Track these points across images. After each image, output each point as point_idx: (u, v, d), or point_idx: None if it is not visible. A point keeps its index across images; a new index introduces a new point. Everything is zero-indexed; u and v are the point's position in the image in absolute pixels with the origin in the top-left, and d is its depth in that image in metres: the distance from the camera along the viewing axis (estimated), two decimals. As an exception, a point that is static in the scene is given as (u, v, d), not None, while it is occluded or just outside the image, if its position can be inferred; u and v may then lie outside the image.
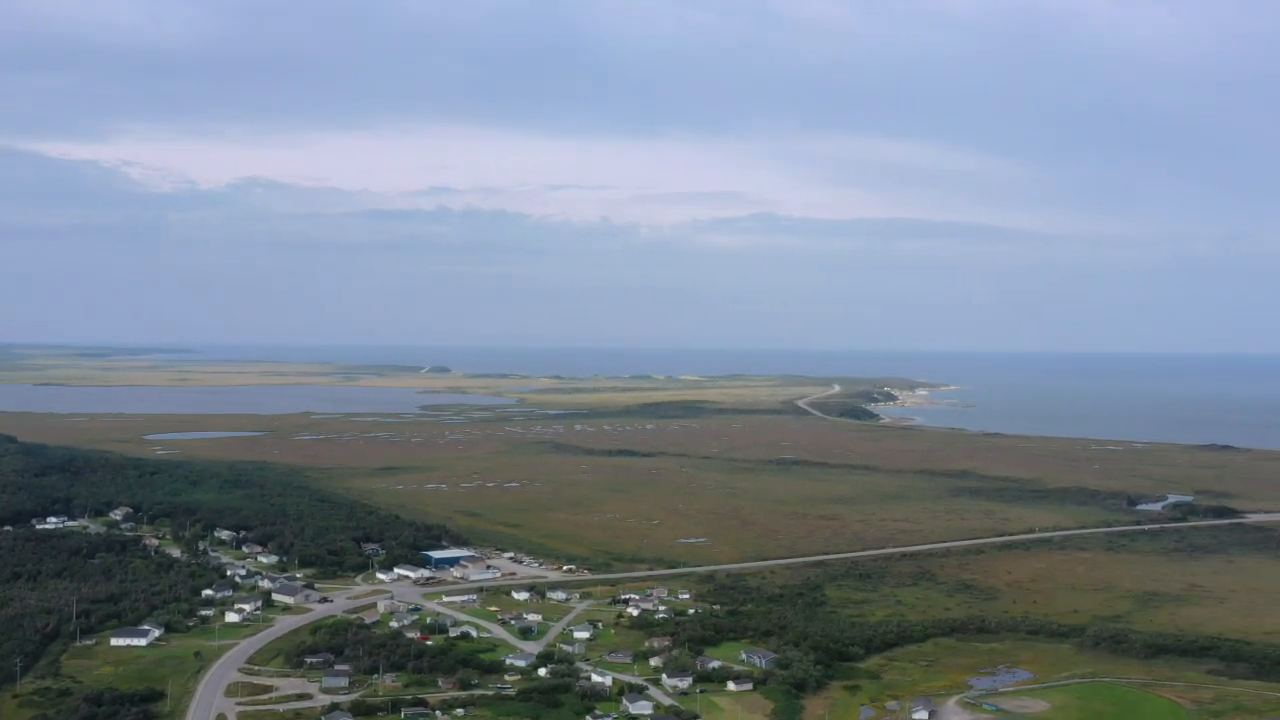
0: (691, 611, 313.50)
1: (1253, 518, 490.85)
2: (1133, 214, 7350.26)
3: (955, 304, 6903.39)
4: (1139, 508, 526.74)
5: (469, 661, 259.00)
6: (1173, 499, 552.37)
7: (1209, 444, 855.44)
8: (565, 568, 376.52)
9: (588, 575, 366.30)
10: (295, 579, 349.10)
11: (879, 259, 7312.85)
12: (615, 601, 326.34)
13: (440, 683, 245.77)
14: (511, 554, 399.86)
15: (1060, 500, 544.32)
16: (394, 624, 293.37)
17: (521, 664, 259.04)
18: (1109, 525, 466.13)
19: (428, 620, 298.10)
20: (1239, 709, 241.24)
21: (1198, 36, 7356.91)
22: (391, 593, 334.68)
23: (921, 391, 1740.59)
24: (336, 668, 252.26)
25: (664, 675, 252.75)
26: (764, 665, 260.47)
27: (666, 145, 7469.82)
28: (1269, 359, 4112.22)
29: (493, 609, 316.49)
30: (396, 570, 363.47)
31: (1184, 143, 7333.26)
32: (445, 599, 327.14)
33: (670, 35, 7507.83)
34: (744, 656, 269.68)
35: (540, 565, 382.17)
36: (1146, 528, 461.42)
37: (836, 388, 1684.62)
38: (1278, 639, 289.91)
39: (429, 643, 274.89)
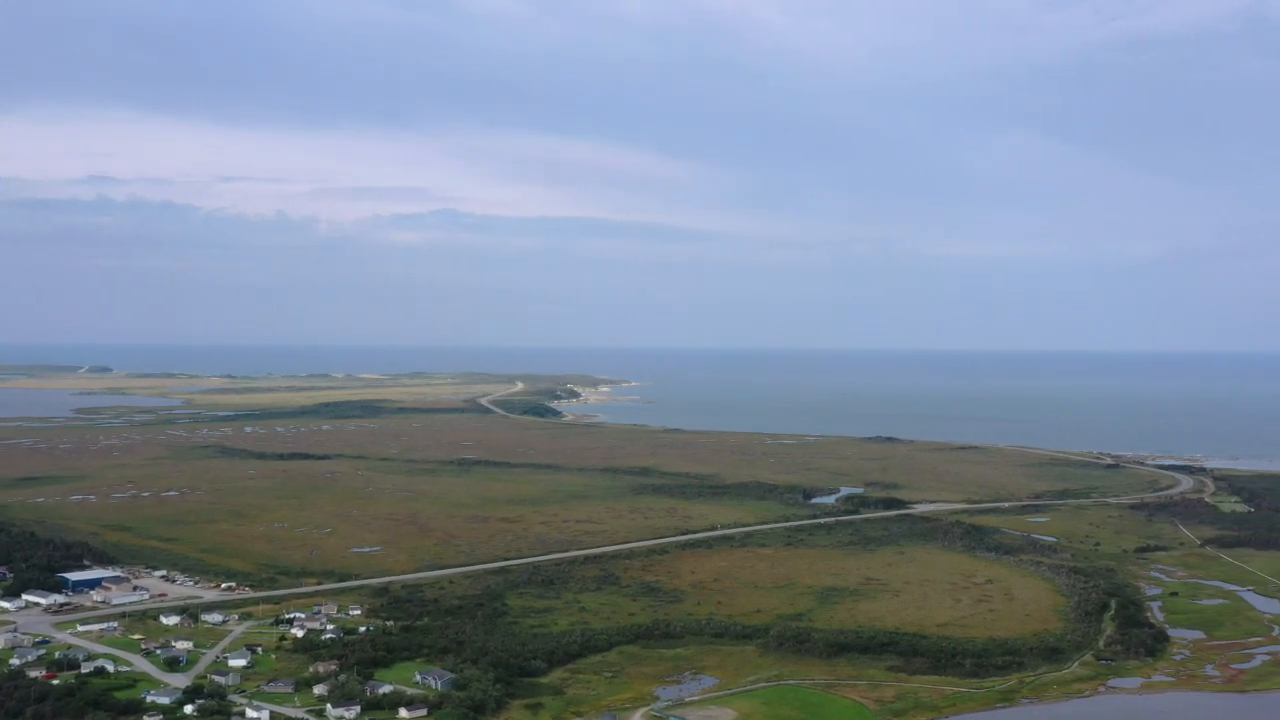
0: (362, 629, 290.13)
1: (918, 508, 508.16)
2: (801, 216, 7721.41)
3: (637, 301, 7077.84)
4: (814, 501, 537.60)
5: (101, 702, 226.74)
6: (845, 491, 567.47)
7: (874, 436, 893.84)
8: (224, 585, 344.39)
9: (249, 593, 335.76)
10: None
11: (563, 257, 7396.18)
12: (278, 622, 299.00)
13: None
14: (164, 572, 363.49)
15: (740, 495, 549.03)
16: (15, 661, 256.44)
17: (165, 701, 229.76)
18: (787, 520, 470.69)
19: (57, 655, 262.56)
20: (919, 706, 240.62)
21: (857, 50, 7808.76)
22: (15, 624, 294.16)
23: (605, 388, 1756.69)
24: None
25: (329, 705, 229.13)
26: (440, 687, 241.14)
27: (345, 138, 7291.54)
28: (923, 354, 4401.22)
29: (136, 637, 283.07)
30: (25, 596, 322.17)
31: (847, 150, 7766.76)
32: (81, 628, 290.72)
33: (346, 23, 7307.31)
34: (419, 678, 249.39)
35: (196, 584, 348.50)
36: (822, 521, 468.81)
37: (520, 385, 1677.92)
38: (950, 632, 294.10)
39: (55, 682, 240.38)
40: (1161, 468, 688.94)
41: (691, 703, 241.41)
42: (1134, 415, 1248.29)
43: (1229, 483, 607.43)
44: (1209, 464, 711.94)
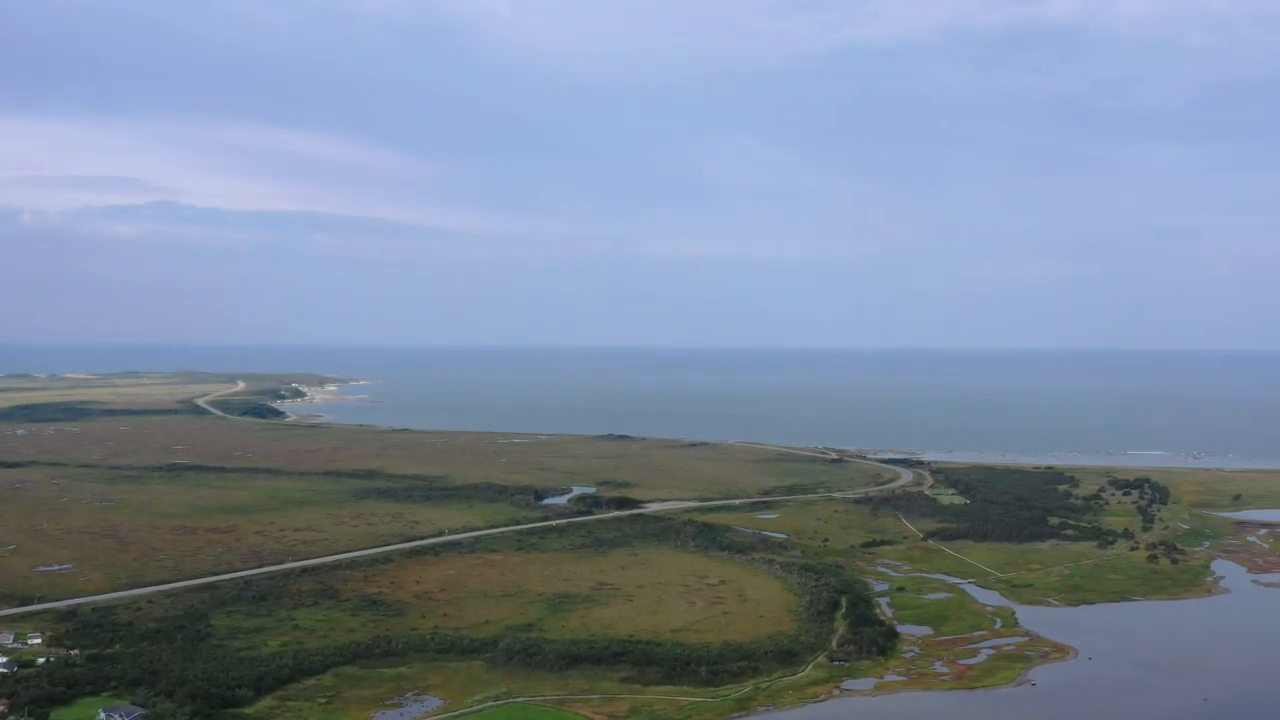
0: (41, 661, 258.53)
1: (651, 507, 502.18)
2: (538, 215, 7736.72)
3: (368, 298, 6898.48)
4: (546, 502, 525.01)
5: None
6: (578, 491, 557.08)
7: (607, 434, 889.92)
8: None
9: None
10: None
11: (289, 252, 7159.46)
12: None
13: None
14: None
15: (469, 498, 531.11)
16: None
17: None
18: (518, 523, 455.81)
19: None
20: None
21: (591, 50, 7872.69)
22: None
23: (331, 387, 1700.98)
24: None
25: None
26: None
27: (50, 124, 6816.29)
28: (652, 351, 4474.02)
29: None
30: None
31: (583, 149, 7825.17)
32: None
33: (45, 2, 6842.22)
34: (103, 715, 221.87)
35: None
36: (554, 523, 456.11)
37: (241, 384, 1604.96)
38: (684, 637, 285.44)
39: None
40: (883, 461, 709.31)
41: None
42: (854, 410, 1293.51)
43: (945, 475, 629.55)
44: (926, 457, 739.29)
